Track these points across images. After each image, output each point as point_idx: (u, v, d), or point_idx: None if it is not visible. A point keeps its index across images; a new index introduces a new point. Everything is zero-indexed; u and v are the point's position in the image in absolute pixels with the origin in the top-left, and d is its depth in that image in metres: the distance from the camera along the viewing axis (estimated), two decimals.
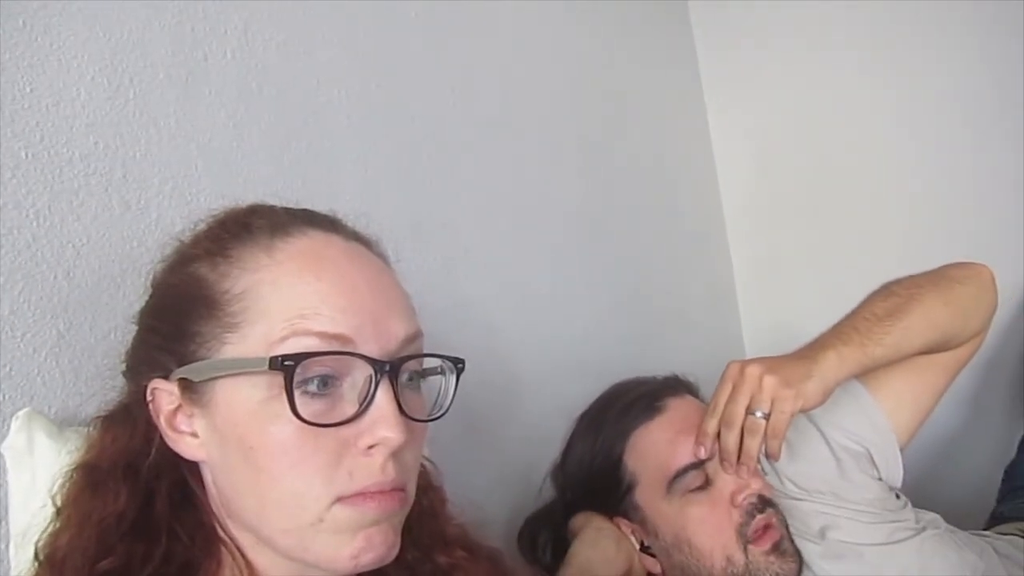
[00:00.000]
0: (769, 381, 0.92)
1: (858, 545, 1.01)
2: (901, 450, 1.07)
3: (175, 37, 0.87)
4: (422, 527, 0.65)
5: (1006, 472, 1.38)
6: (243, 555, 0.58)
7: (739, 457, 0.94)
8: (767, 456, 0.95)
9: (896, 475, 1.08)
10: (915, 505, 1.09)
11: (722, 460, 0.96)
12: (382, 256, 0.64)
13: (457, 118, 1.26)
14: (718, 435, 0.96)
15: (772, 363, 0.94)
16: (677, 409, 1.04)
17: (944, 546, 1.03)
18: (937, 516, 1.09)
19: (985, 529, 1.23)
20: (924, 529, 1.05)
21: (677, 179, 1.89)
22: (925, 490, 1.12)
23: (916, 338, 1.00)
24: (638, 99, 1.76)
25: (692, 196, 1.94)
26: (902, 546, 1.02)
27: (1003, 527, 1.22)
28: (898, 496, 1.09)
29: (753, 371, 0.93)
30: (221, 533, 0.58)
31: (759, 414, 0.92)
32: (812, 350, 0.97)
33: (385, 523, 0.55)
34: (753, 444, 0.93)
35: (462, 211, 1.24)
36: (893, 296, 1.02)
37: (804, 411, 0.94)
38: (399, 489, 0.56)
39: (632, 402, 1.05)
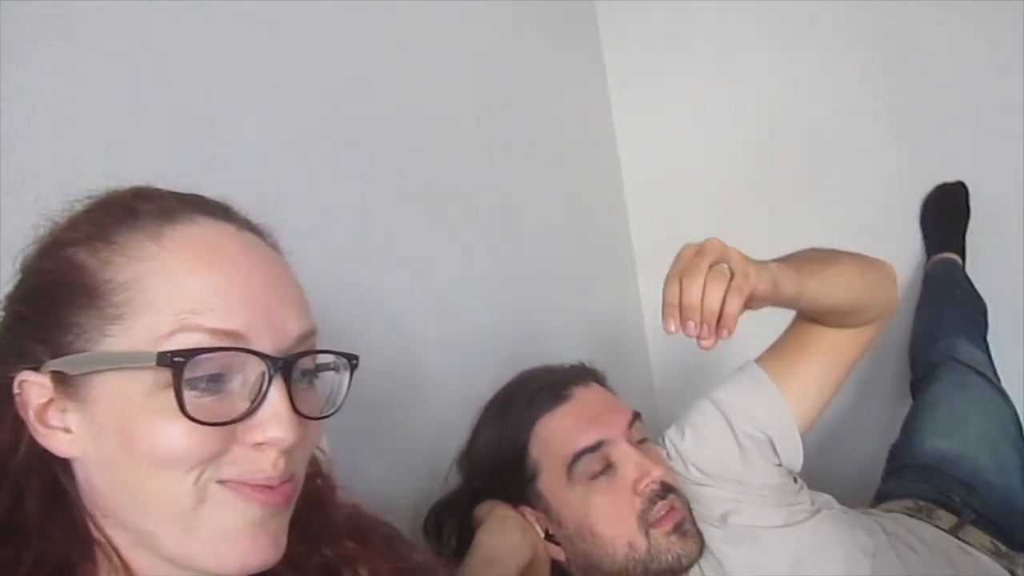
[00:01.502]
0: (733, 251, 0.86)
1: (758, 528, 1.04)
2: (801, 437, 1.10)
3: (57, 5, 0.82)
4: (310, 516, 0.63)
5: (891, 452, 1.44)
6: (119, 556, 0.55)
7: (703, 315, 0.82)
8: (718, 330, 0.82)
9: (796, 462, 1.11)
10: (806, 483, 1.13)
11: (683, 320, 0.82)
12: (276, 247, 0.62)
13: (360, 106, 1.23)
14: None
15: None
16: (582, 398, 1.05)
17: (837, 527, 1.07)
18: (830, 497, 1.13)
19: (871, 507, 1.29)
20: (819, 511, 1.08)
21: (582, 171, 1.93)
22: (816, 469, 1.16)
23: (836, 290, 1.00)
24: (544, 91, 1.78)
25: (596, 187, 1.98)
26: (799, 528, 1.05)
27: (888, 504, 1.27)
28: (795, 480, 1.12)
29: (715, 241, 0.86)
30: (95, 533, 0.55)
31: (725, 267, 0.84)
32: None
33: (272, 521, 0.54)
34: (716, 291, 0.81)
35: (366, 200, 1.22)
36: (818, 251, 1.02)
37: (755, 299, 0.86)
38: (287, 481, 0.55)
39: (538, 390, 1.05)
